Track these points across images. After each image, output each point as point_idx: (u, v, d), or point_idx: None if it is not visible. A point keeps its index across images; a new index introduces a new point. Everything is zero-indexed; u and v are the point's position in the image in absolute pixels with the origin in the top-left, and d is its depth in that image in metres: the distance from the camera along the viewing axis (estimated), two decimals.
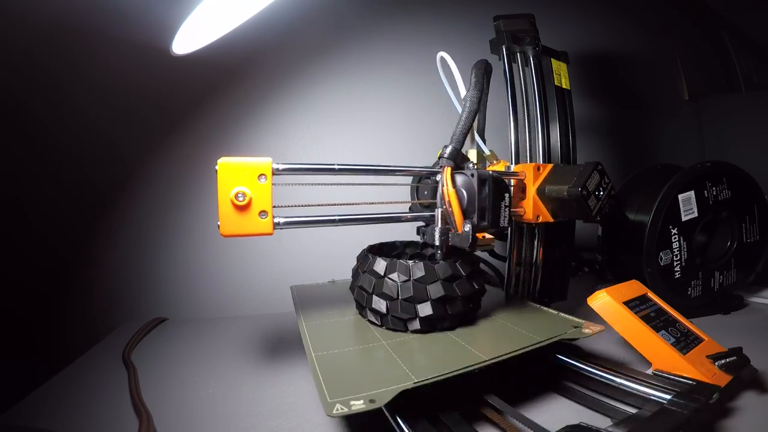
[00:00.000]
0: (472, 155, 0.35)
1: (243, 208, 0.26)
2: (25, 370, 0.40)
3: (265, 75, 0.57)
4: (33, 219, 0.50)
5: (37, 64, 0.48)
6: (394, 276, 0.31)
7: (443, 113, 0.59)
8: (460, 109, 0.40)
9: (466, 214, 0.30)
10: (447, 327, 0.31)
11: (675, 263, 0.45)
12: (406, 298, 0.30)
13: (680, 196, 0.44)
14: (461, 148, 0.32)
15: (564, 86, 0.44)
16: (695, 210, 0.45)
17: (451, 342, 0.29)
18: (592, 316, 0.34)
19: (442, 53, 0.37)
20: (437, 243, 0.30)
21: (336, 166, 0.29)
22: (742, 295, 0.50)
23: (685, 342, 0.32)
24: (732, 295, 0.49)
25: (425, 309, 0.30)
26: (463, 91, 0.35)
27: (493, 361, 0.26)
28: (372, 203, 0.31)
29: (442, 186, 0.30)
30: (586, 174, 0.33)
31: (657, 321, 0.33)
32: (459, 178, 0.31)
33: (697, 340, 0.32)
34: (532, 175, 0.36)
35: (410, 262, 0.31)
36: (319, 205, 0.29)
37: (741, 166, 0.47)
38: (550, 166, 0.37)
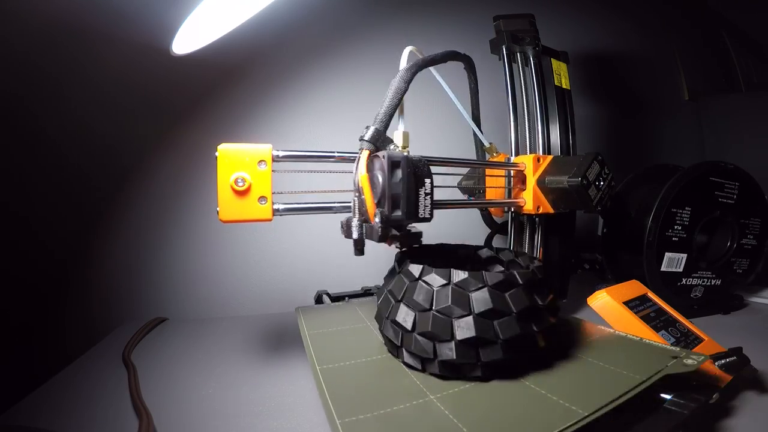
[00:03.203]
0: (398, 138, 0.30)
1: (242, 194, 0.26)
2: (25, 370, 0.40)
3: (264, 75, 0.57)
4: (32, 219, 0.50)
5: (35, 64, 0.48)
6: (447, 309, 0.24)
7: (443, 113, 0.59)
8: (460, 108, 0.40)
9: (379, 204, 0.26)
10: (517, 371, 0.24)
11: (690, 281, 0.45)
12: (465, 339, 0.23)
13: (663, 266, 0.44)
14: (385, 129, 0.28)
15: (564, 86, 0.44)
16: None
17: (530, 393, 0.22)
18: (593, 315, 0.34)
19: (409, 48, 0.33)
20: (355, 237, 0.26)
21: (336, 154, 0.29)
22: (742, 295, 0.50)
23: (685, 342, 0.32)
24: (732, 295, 0.49)
25: (492, 353, 0.23)
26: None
27: (597, 414, 0.19)
28: None
29: (355, 171, 0.26)
30: (586, 164, 0.33)
31: (657, 321, 0.33)
32: (377, 163, 0.27)
33: (697, 340, 0.33)
34: (532, 166, 0.36)
35: (470, 288, 0.24)
36: (318, 192, 0.29)
37: (741, 165, 0.47)
38: (550, 157, 0.37)
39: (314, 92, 0.59)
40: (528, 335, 0.24)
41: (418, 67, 0.30)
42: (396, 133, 0.30)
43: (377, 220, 0.25)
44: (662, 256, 0.44)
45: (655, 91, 0.81)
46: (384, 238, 0.25)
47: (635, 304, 0.34)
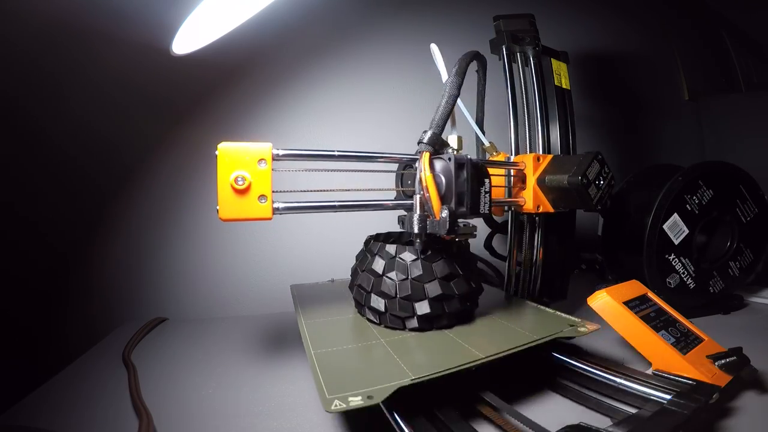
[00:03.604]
0: (453, 141, 0.34)
1: (242, 192, 0.26)
2: (25, 370, 0.40)
3: (264, 75, 0.57)
4: (32, 219, 0.50)
5: (35, 64, 0.48)
6: (392, 275, 0.31)
7: None
8: (464, 110, 0.40)
9: (444, 200, 0.29)
10: (444, 325, 0.31)
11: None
12: (404, 296, 0.30)
13: (666, 224, 0.44)
14: (441, 133, 0.31)
15: (564, 86, 0.44)
16: (684, 231, 0.45)
17: (449, 340, 0.29)
18: (593, 315, 0.34)
19: (432, 45, 0.36)
20: (415, 230, 0.29)
21: (336, 153, 0.29)
22: (742, 295, 0.50)
23: (685, 342, 0.32)
24: (732, 295, 0.49)
25: (423, 307, 0.30)
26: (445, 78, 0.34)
27: (489, 358, 0.26)
28: (371, 189, 0.31)
29: (420, 171, 0.29)
30: (586, 163, 0.33)
31: (657, 321, 0.33)
32: (438, 164, 0.30)
33: (697, 340, 0.32)
34: (531, 165, 0.36)
35: (408, 260, 0.31)
36: (318, 191, 0.29)
37: (741, 166, 0.47)
38: (549, 157, 0.37)
39: (314, 92, 0.59)
40: (449, 295, 0.31)
41: (463, 71, 0.32)
42: (451, 137, 0.33)
43: (444, 215, 0.28)
44: (671, 213, 0.44)
45: (655, 91, 0.81)
46: (451, 231, 0.28)
47: (635, 304, 0.34)
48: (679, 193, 0.44)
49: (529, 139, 0.41)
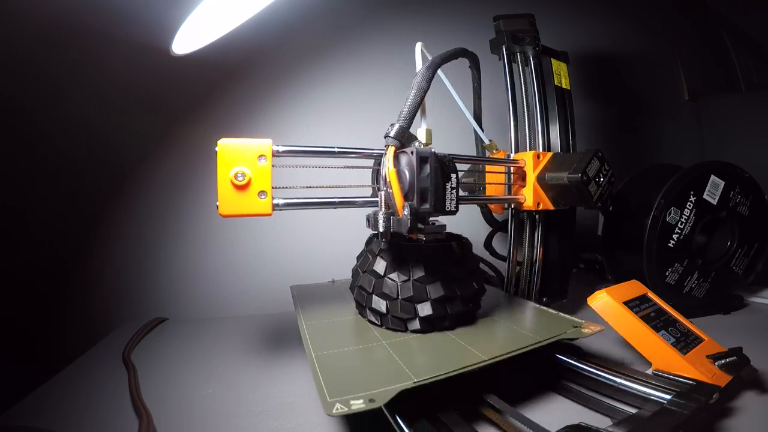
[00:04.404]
0: (421, 134, 0.31)
1: (242, 188, 0.26)
2: (25, 370, 0.40)
3: (264, 75, 0.57)
4: (32, 220, 0.50)
5: (35, 65, 0.48)
6: (394, 276, 0.31)
7: (444, 112, 0.59)
8: (462, 107, 0.40)
9: (407, 197, 0.27)
10: (447, 327, 0.31)
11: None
12: (406, 298, 0.30)
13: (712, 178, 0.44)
14: (409, 127, 0.29)
15: (564, 86, 0.44)
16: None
17: (451, 342, 0.29)
18: (593, 316, 0.34)
19: (419, 43, 0.33)
20: (380, 229, 0.28)
21: (336, 149, 0.29)
22: (742, 295, 0.50)
23: (685, 342, 0.32)
24: (732, 295, 0.49)
25: (425, 309, 0.30)
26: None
27: (492, 360, 0.26)
28: (371, 186, 0.31)
29: (383, 166, 0.27)
30: (586, 160, 0.33)
31: (657, 321, 0.33)
32: (404, 159, 0.28)
33: (697, 340, 0.32)
34: (532, 163, 0.36)
35: (413, 259, 0.31)
36: (318, 187, 0.29)
37: (741, 165, 0.47)
38: (549, 154, 0.37)
39: (314, 92, 0.59)
40: (451, 297, 0.30)
41: (436, 65, 0.31)
42: (419, 131, 0.31)
43: (406, 212, 0.26)
44: (711, 176, 0.45)
45: (655, 91, 0.81)
46: (413, 230, 0.26)
47: (635, 304, 0.34)
48: (725, 170, 0.45)
49: (529, 139, 0.41)
